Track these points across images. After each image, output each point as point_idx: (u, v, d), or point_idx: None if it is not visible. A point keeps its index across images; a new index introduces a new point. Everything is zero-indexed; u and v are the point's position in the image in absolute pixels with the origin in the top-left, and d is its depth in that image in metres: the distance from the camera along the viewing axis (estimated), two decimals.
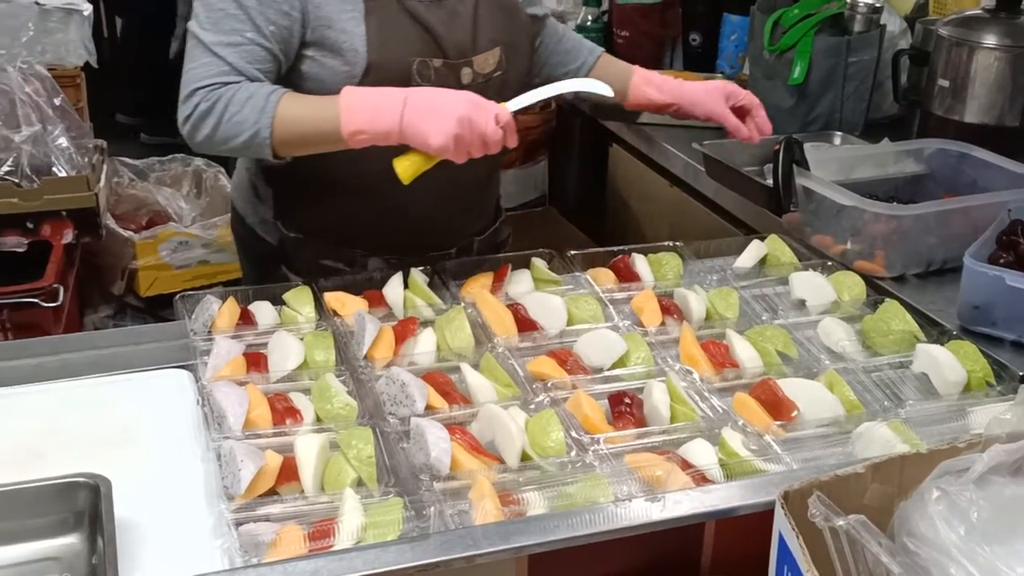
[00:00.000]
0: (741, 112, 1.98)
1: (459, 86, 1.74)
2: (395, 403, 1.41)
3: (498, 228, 2.10)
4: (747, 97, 1.98)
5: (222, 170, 3.61)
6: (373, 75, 1.69)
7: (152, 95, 4.94)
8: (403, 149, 1.61)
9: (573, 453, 1.35)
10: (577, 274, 1.86)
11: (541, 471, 1.33)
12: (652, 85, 1.99)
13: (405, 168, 1.60)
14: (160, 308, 3.37)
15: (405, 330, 1.58)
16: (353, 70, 1.69)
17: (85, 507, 1.20)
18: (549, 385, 1.51)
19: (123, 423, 1.46)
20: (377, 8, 1.70)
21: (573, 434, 1.38)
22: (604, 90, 1.78)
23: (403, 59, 1.70)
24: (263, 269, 1.95)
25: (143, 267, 3.31)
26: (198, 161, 3.63)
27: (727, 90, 1.98)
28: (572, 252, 1.90)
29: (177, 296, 1.69)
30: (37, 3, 3.37)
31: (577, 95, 2.08)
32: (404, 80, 1.69)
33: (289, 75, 1.73)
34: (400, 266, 1.79)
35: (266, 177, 1.92)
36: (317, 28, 1.68)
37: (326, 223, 1.89)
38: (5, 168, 3.05)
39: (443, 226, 1.94)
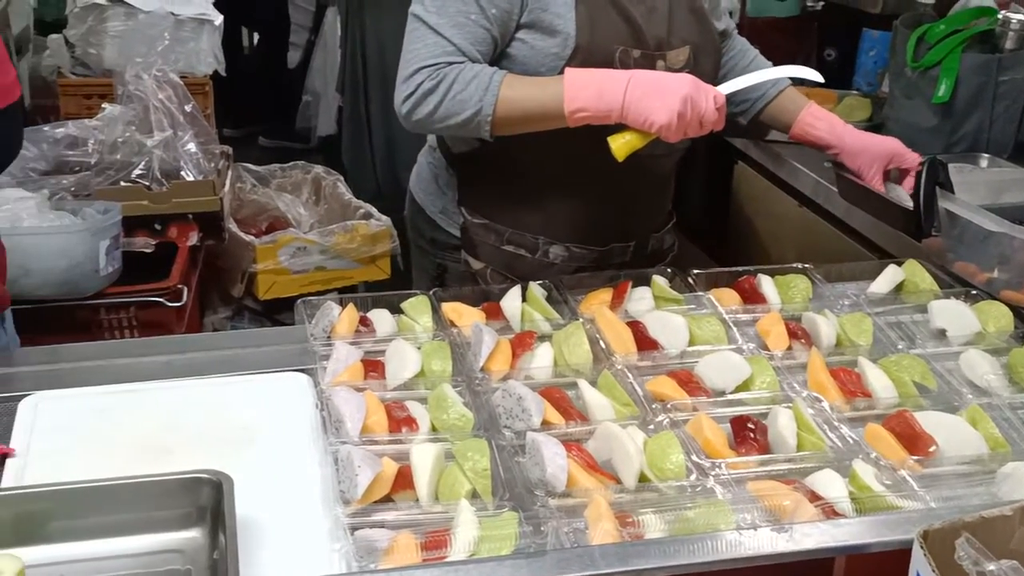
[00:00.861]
0: (902, 173, 1.96)
1: None
2: (511, 417, 1.42)
3: (670, 230, 2.15)
4: (912, 161, 1.95)
5: (340, 178, 3.69)
6: (579, 58, 1.76)
7: (272, 101, 5.09)
8: (611, 129, 1.68)
9: (693, 477, 1.34)
10: (699, 294, 1.84)
11: (659, 494, 1.32)
12: (823, 122, 2.00)
13: (620, 146, 1.68)
14: (277, 311, 3.46)
15: (522, 344, 1.58)
16: (561, 52, 1.77)
17: (208, 503, 1.23)
18: (669, 406, 1.49)
19: (244, 423, 1.50)
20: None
21: (693, 457, 1.37)
22: (814, 76, 1.84)
23: (608, 45, 1.78)
24: (443, 259, 2.04)
25: (262, 271, 3.40)
26: (318, 169, 3.72)
27: (893, 151, 1.96)
28: (695, 271, 1.89)
29: (298, 301, 1.73)
30: (173, 14, 3.51)
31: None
32: (606, 65, 1.76)
33: (498, 58, 1.81)
34: (580, 256, 1.90)
35: (451, 165, 2.00)
36: (534, 10, 1.77)
37: (510, 209, 1.95)
38: (137, 171, 3.18)
39: (623, 218, 1.99)
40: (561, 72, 1.73)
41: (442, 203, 2.03)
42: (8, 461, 1.41)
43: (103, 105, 3.38)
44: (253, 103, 5.22)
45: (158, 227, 3.17)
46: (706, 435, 1.41)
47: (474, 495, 1.29)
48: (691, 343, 1.67)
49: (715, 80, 1.94)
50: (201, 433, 1.48)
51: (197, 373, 1.63)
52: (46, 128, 3.36)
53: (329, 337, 1.64)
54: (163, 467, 1.30)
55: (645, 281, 1.84)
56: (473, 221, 1.98)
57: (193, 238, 3.12)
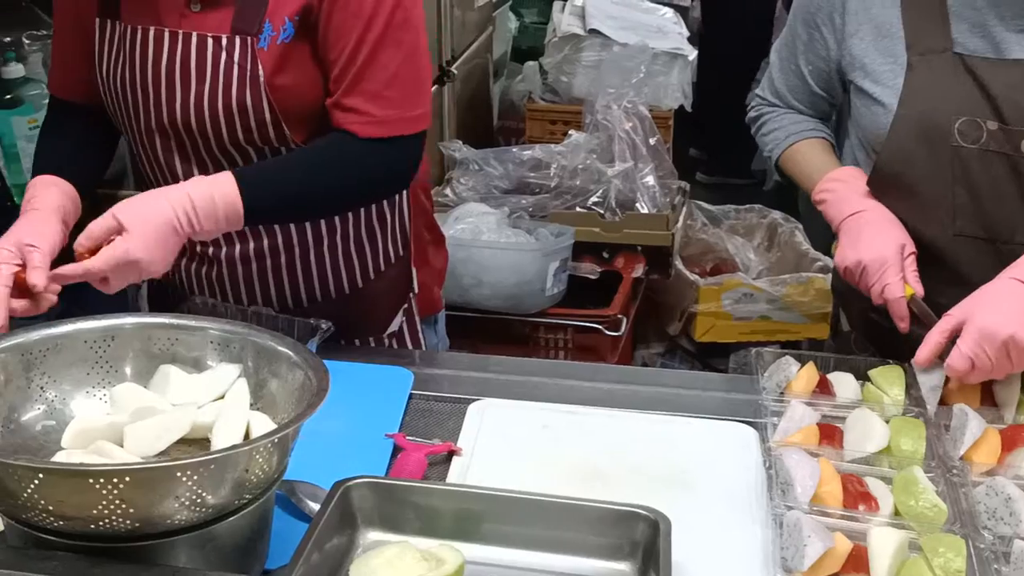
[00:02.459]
0: None
1: (1018, 155, 1.59)
2: (994, 518, 1.27)
3: None
4: None
5: (799, 226, 3.59)
6: (901, 127, 1.63)
7: (719, 137, 5.08)
8: None
9: None
10: None
11: None
12: None
13: None
14: (711, 355, 3.43)
15: (1015, 437, 1.42)
16: (879, 120, 1.67)
17: (642, 539, 1.21)
18: None
19: (682, 464, 1.47)
20: (925, 63, 1.62)
21: None
22: None
23: (941, 116, 1.61)
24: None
25: (703, 312, 3.38)
26: (775, 214, 3.65)
27: None
28: None
29: (753, 350, 1.67)
30: (651, 47, 3.60)
31: None
32: (942, 138, 1.60)
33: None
34: None
35: None
36: (851, 73, 1.72)
37: None
38: (594, 199, 3.28)
39: None
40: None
41: None
42: (455, 458, 1.47)
43: (569, 132, 3.53)
44: (707, 138, 5.26)
45: (606, 255, 3.25)
46: None
47: None
48: None
49: None
50: (637, 467, 1.46)
51: (637, 406, 1.63)
52: (514, 149, 3.56)
53: (783, 393, 1.57)
54: (595, 493, 1.29)
55: None
56: None
57: (639, 270, 3.17)
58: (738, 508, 1.37)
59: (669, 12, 4.13)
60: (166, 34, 1.58)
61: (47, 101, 2.29)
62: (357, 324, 1.82)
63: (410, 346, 1.90)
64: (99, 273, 1.45)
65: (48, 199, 1.60)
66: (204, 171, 1.62)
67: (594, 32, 3.77)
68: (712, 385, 1.75)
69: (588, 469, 1.46)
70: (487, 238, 3.06)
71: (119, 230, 1.46)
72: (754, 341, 3.27)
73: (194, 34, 1.57)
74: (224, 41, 1.55)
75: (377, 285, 1.81)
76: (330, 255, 1.76)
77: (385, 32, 1.57)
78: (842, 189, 1.71)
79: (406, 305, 1.88)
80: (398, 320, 1.87)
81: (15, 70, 2.29)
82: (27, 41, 2.45)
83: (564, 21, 3.88)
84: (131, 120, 1.66)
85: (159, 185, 1.66)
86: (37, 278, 1.45)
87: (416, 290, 1.89)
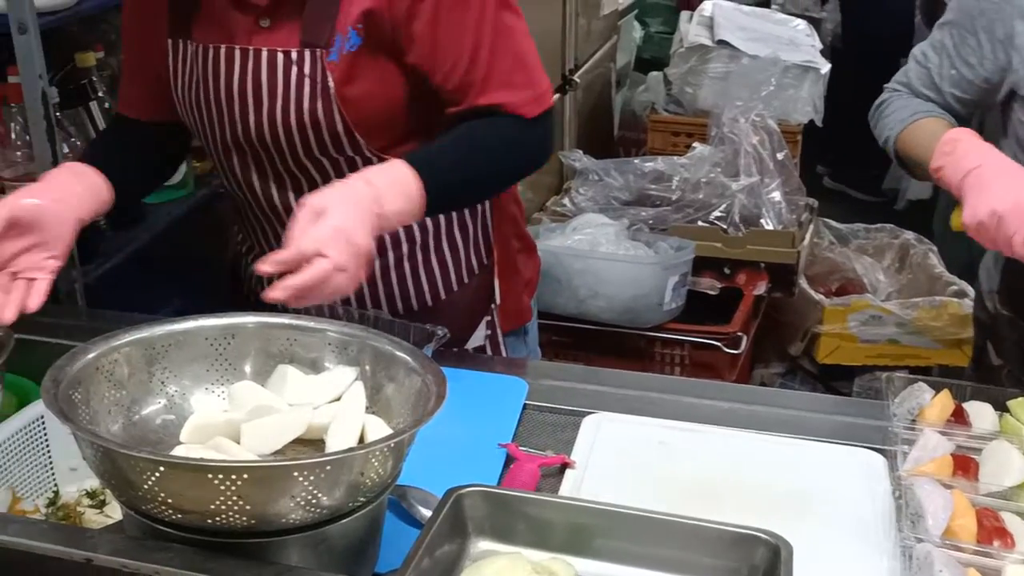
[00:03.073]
0: None
1: None
2: None
3: None
4: None
5: (933, 248, 3.50)
6: None
7: (849, 154, 4.96)
8: None
9: None
10: None
11: None
12: None
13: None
14: (834, 378, 3.36)
15: None
16: None
17: (761, 564, 1.19)
18: None
19: (802, 489, 1.44)
20: None
21: None
22: None
23: None
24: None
25: (827, 333, 3.32)
26: (908, 235, 3.56)
27: None
28: None
29: (884, 374, 1.63)
30: (782, 59, 3.55)
31: None
32: None
33: None
34: None
35: None
36: (1013, 86, 1.73)
37: None
38: (716, 213, 3.25)
39: None
40: None
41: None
42: (568, 471, 1.47)
43: (693, 144, 3.51)
44: (836, 154, 5.16)
45: (727, 271, 3.22)
46: None
47: None
48: None
49: None
50: (756, 489, 1.44)
51: (757, 427, 1.60)
52: (636, 160, 3.55)
53: (914, 421, 1.52)
54: (711, 513, 1.27)
55: None
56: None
57: (761, 288, 3.13)
58: (863, 537, 1.34)
59: (802, 24, 4.07)
60: (236, 51, 1.60)
61: None
62: None
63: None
64: (313, 250, 1.36)
65: (69, 188, 1.57)
66: (281, 185, 1.67)
67: (722, 43, 3.73)
68: (837, 408, 1.70)
69: (705, 489, 1.44)
70: (605, 250, 3.05)
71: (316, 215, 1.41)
72: (880, 365, 3.20)
73: (264, 50, 1.59)
74: (294, 55, 1.57)
75: (458, 297, 1.81)
76: (410, 268, 1.76)
77: (496, 20, 1.59)
78: (960, 148, 1.63)
79: (488, 318, 1.87)
80: (481, 333, 1.86)
81: None
82: None
83: (691, 31, 3.85)
84: (208, 136, 1.69)
85: (244, 199, 1.72)
86: (36, 304, 1.48)
87: (499, 301, 1.87)
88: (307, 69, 1.57)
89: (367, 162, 1.63)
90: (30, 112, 1.94)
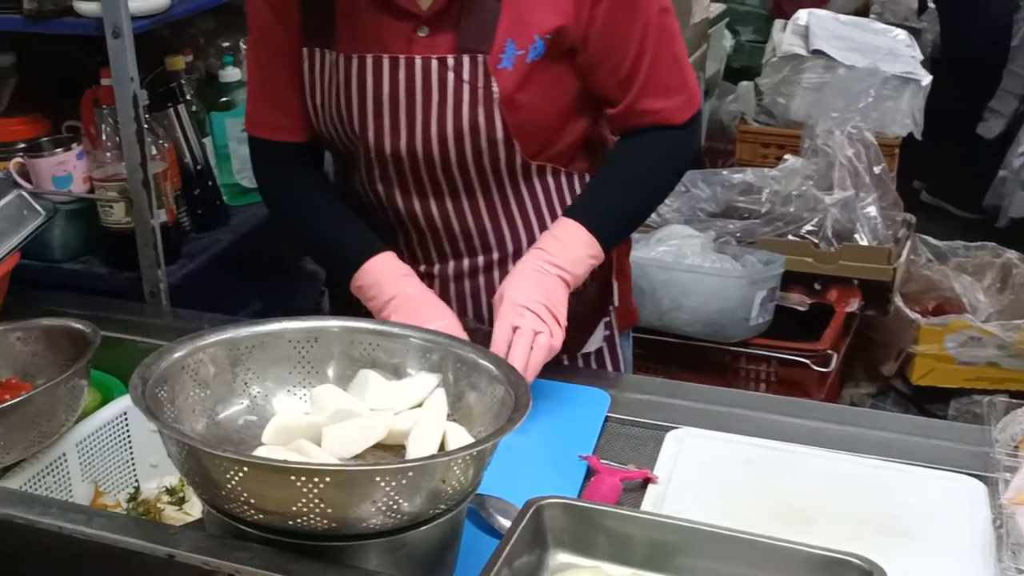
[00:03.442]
0: None
1: None
2: None
3: None
4: None
5: None
6: None
7: (948, 169, 4.87)
8: None
9: None
10: None
11: None
12: None
13: None
14: (929, 400, 3.30)
15: None
16: None
17: None
18: None
19: (898, 514, 1.41)
20: None
21: None
22: None
23: None
24: None
25: (922, 354, 3.26)
26: (1011, 254, 3.48)
27: None
28: None
29: (986, 399, 1.60)
30: (881, 70, 3.50)
31: None
32: None
33: None
34: None
35: None
36: None
37: None
38: (808, 227, 3.22)
39: None
40: None
41: None
42: (650, 486, 1.46)
43: (785, 156, 3.47)
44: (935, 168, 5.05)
45: (817, 287, 3.18)
46: None
47: None
48: None
49: None
50: (847, 513, 1.41)
51: (849, 448, 1.57)
52: (724, 172, 3.53)
53: (1017, 447, 1.49)
54: (800, 536, 1.25)
55: None
56: None
57: (853, 305, 3.10)
58: (960, 566, 1.31)
59: (902, 34, 4.01)
60: (386, 61, 1.60)
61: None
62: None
63: (609, 363, 1.90)
64: (509, 328, 1.55)
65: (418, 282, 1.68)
66: (423, 195, 1.68)
67: (818, 53, 3.69)
68: (934, 432, 1.67)
69: (792, 510, 1.42)
70: (690, 262, 3.03)
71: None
72: (979, 389, 3.13)
73: (418, 58, 1.59)
74: (451, 61, 1.58)
75: (580, 300, 1.82)
76: None
77: (658, 25, 1.64)
78: None
79: (607, 318, 1.88)
80: (600, 334, 1.87)
81: (232, 74, 2.42)
82: (244, 46, 2.58)
83: (785, 40, 3.81)
84: (347, 149, 1.70)
85: (376, 207, 1.73)
86: None
87: (616, 303, 1.89)
88: (466, 75, 1.58)
89: (512, 170, 1.67)
90: (121, 114, 1.99)
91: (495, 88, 1.58)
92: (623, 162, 1.72)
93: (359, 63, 1.61)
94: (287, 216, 1.80)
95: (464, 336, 1.54)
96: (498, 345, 1.52)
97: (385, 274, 1.66)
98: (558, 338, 1.57)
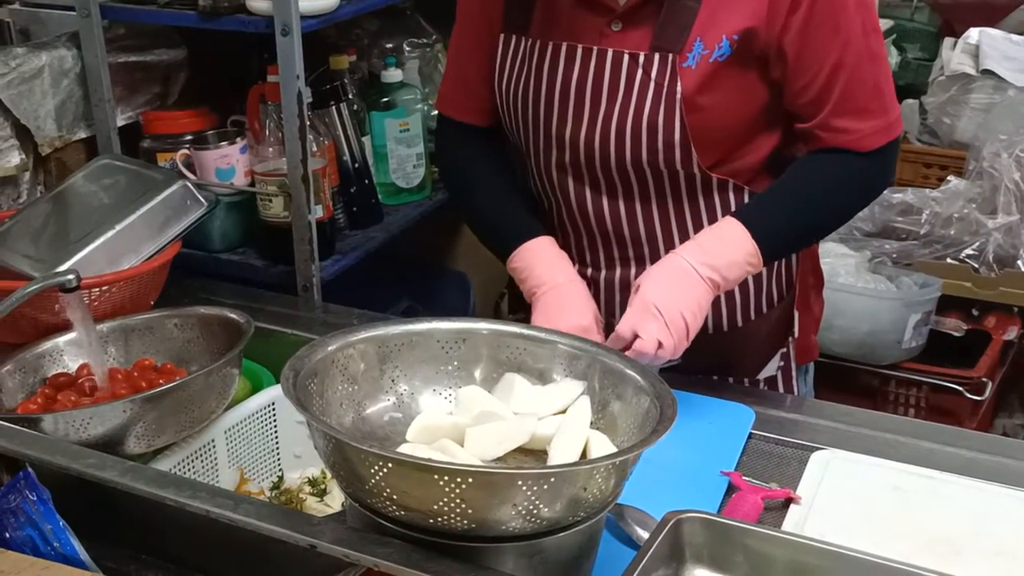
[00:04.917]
0: None
1: None
2: None
3: None
4: None
5: None
6: None
7: None
8: None
9: None
10: None
11: None
12: None
13: None
14: None
15: None
16: None
17: None
18: None
19: None
20: None
21: None
22: None
23: None
24: None
25: None
26: None
27: None
28: None
29: None
30: None
31: None
32: None
33: None
34: None
35: None
36: None
37: None
38: (968, 251, 3.12)
39: None
40: None
41: None
42: (792, 507, 1.43)
43: (948, 178, 3.36)
44: None
45: (975, 312, 3.08)
46: None
47: None
48: None
49: None
50: (1000, 547, 1.36)
51: (1002, 480, 1.51)
52: (885, 191, 3.42)
53: None
54: (947, 568, 1.20)
55: None
56: None
57: (1012, 333, 3.00)
58: None
59: None
60: (579, 50, 1.62)
61: (419, 106, 2.46)
62: (733, 363, 1.81)
63: (783, 392, 1.86)
64: (629, 332, 1.53)
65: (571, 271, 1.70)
66: (596, 191, 1.68)
67: (988, 73, 3.56)
68: None
69: (941, 541, 1.37)
70: (843, 281, 2.97)
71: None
72: None
73: (610, 51, 1.60)
74: (642, 58, 1.58)
75: (758, 326, 1.79)
76: None
77: (863, 46, 1.58)
78: None
79: (784, 349, 1.84)
80: (774, 364, 1.83)
81: (394, 75, 2.47)
82: (407, 48, 2.64)
83: (954, 59, 3.68)
84: (528, 135, 1.71)
85: (549, 201, 1.74)
86: None
87: (796, 334, 1.85)
88: (654, 74, 1.58)
89: (690, 179, 1.65)
90: (285, 110, 2.04)
91: (679, 88, 1.56)
92: (802, 177, 1.65)
93: (553, 50, 1.64)
94: (459, 190, 1.86)
95: (600, 338, 1.55)
96: (613, 345, 1.51)
97: (538, 259, 1.68)
98: (679, 351, 1.54)
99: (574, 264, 1.73)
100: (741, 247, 1.59)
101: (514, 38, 1.68)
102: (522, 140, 1.73)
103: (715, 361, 1.77)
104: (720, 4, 1.55)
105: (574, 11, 1.63)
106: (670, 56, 1.56)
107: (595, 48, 1.61)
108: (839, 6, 1.56)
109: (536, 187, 1.77)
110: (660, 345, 1.51)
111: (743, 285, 1.73)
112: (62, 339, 1.68)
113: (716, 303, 1.74)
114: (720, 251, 1.58)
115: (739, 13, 1.55)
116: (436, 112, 1.93)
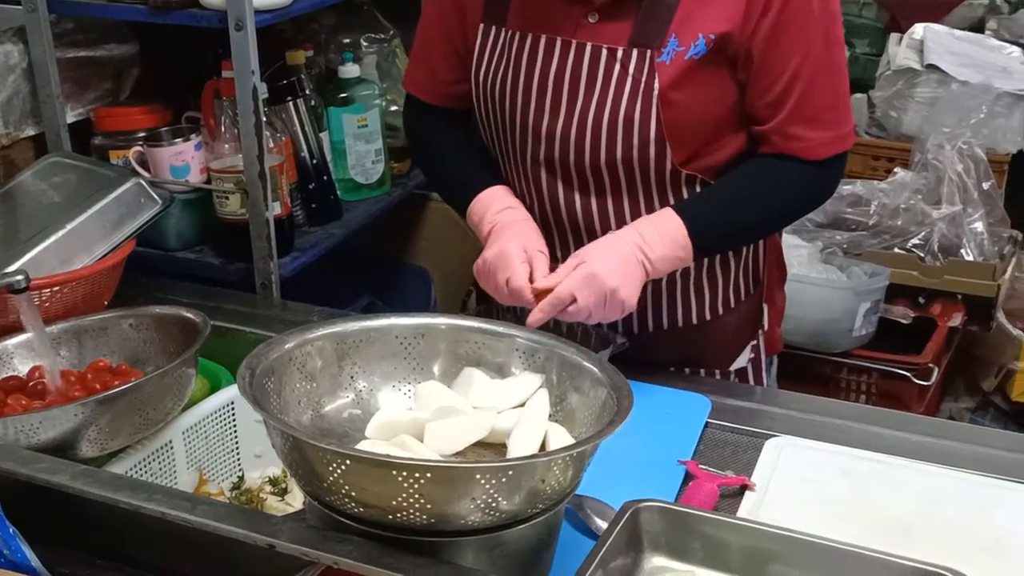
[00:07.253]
0: None
1: None
2: None
3: None
4: None
5: None
6: None
7: None
8: None
9: None
10: None
11: None
12: None
13: None
14: None
15: None
16: None
17: None
18: None
19: (996, 532, 1.37)
20: None
21: None
22: None
23: None
24: None
25: (1023, 370, 3.16)
26: None
27: None
28: None
29: None
30: (994, 87, 3.40)
31: None
32: None
33: None
34: None
35: None
36: None
37: None
38: (914, 241, 3.16)
39: None
40: None
41: None
42: (747, 493, 1.44)
43: (895, 170, 3.39)
44: None
45: (921, 300, 3.12)
46: None
47: None
48: None
49: None
50: (946, 528, 1.38)
51: (950, 463, 1.53)
52: None
53: None
54: (896, 548, 1.20)
55: None
56: None
57: (956, 319, 3.03)
58: None
59: (1017, 51, 3.87)
60: (558, 43, 1.61)
61: (378, 101, 2.43)
62: (703, 356, 1.81)
63: (752, 383, 1.87)
64: (568, 295, 1.53)
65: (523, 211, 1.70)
66: (569, 187, 1.67)
67: (932, 67, 3.59)
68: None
69: (890, 523, 1.39)
70: (796, 272, 2.98)
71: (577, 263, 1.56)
72: None
73: (588, 44, 1.59)
74: (620, 53, 1.57)
75: (727, 319, 1.79)
76: (682, 286, 1.75)
77: (824, 56, 1.58)
78: None
79: (754, 342, 1.85)
80: (745, 356, 1.84)
81: (351, 70, 2.44)
82: (364, 43, 2.60)
83: (900, 54, 3.72)
84: (502, 128, 1.70)
85: (526, 197, 1.73)
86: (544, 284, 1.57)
87: (766, 327, 1.85)
88: (632, 68, 1.57)
89: (660, 175, 1.64)
90: (240, 106, 2.00)
91: (656, 83, 1.56)
92: (748, 178, 1.65)
93: (532, 42, 1.63)
94: (424, 156, 1.92)
95: (546, 266, 1.60)
96: (552, 307, 1.54)
97: (493, 202, 1.69)
98: (607, 320, 1.58)
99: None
100: (675, 241, 1.59)
101: (493, 29, 1.67)
102: (499, 133, 1.71)
103: (685, 354, 1.77)
104: (697, 2, 1.55)
105: (550, 2, 1.61)
106: (648, 52, 1.56)
107: (573, 41, 1.59)
108: (806, 14, 1.55)
109: (511, 182, 1.76)
110: (590, 314, 1.54)
111: (712, 279, 1.74)
112: (11, 341, 1.63)
113: (685, 297, 1.75)
114: (656, 242, 1.58)
115: (718, 16, 1.55)
116: (394, 108, 1.92)
